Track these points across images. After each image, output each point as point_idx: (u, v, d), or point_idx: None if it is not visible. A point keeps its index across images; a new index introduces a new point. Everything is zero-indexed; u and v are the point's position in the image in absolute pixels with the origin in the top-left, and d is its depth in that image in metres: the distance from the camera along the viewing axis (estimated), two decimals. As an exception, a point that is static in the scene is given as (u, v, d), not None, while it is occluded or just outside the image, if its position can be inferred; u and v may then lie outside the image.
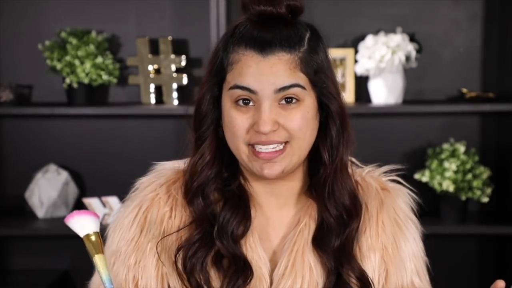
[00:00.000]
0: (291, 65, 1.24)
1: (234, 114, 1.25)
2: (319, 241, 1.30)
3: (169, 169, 1.38)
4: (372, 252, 1.32)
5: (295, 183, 1.33)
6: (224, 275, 1.26)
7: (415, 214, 1.40)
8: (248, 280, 1.26)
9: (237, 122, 1.25)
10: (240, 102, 1.25)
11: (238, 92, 1.24)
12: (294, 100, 1.24)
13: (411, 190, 1.42)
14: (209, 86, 1.30)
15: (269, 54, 1.23)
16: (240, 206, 1.30)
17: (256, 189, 1.32)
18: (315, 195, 1.32)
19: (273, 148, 1.24)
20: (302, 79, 1.24)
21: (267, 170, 1.25)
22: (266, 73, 1.22)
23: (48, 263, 3.23)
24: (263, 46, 1.23)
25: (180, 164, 1.37)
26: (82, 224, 1.14)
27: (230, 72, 1.26)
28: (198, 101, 1.31)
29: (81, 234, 1.14)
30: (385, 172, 1.41)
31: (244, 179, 1.33)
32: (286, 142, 1.24)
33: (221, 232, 1.28)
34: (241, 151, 1.26)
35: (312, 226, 1.31)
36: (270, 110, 1.23)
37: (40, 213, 3.10)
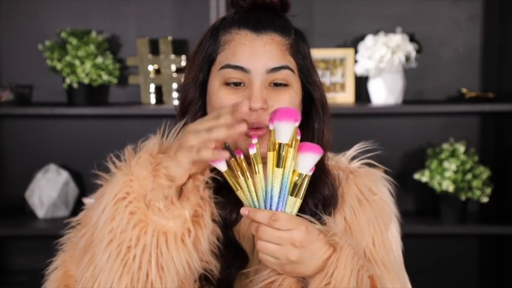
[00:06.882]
0: (282, 47, 1.28)
1: (223, 94, 1.26)
2: None
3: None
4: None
5: None
6: (222, 260, 1.24)
7: (391, 195, 1.39)
8: (245, 266, 1.27)
9: (226, 102, 1.25)
10: (231, 84, 1.26)
11: (230, 72, 1.26)
12: (282, 85, 1.27)
13: (384, 171, 1.44)
14: (195, 72, 1.31)
15: (262, 33, 1.27)
16: (231, 193, 1.23)
17: None
18: None
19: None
20: (291, 62, 1.29)
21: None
22: (259, 51, 1.26)
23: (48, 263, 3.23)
24: (257, 26, 1.28)
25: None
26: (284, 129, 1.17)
27: (222, 53, 1.28)
28: (183, 88, 1.33)
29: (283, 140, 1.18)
30: (355, 157, 1.42)
31: None
32: None
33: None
34: None
35: None
36: (261, 89, 1.25)
37: (40, 213, 3.10)
